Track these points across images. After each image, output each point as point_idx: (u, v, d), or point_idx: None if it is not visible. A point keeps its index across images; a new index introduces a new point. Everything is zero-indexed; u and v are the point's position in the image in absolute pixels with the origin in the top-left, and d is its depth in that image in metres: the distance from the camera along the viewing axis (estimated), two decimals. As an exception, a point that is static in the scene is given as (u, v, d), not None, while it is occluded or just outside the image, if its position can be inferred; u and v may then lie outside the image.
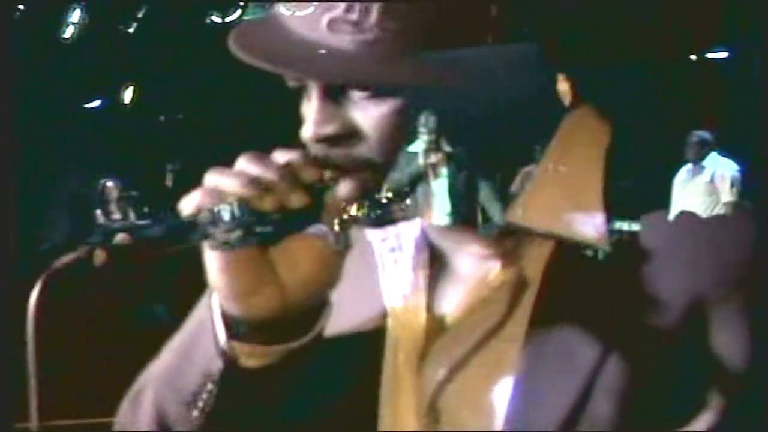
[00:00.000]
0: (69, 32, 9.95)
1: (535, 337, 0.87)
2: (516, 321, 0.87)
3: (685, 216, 0.91)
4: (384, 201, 0.85)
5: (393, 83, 0.86)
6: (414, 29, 0.84)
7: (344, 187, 0.83)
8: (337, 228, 0.83)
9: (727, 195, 8.04)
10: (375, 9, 0.84)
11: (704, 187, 8.13)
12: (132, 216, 10.00)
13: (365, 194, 0.84)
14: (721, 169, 8.13)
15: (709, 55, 9.54)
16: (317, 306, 0.86)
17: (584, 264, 0.87)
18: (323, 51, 0.85)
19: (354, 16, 0.85)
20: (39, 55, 9.22)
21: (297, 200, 0.81)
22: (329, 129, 0.87)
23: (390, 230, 0.93)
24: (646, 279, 0.87)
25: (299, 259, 0.83)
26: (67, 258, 0.76)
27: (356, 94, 0.87)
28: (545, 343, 0.87)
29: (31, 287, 0.77)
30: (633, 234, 0.88)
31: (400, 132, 0.87)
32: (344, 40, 0.85)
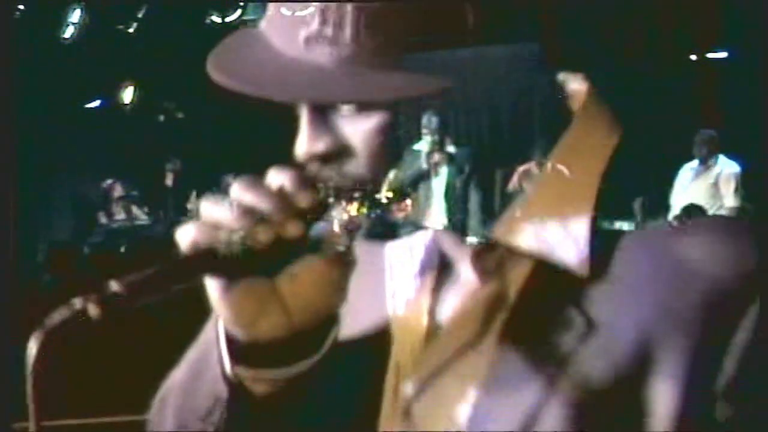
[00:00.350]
0: (69, 32, 9.96)
1: (496, 359, 0.85)
2: (491, 338, 0.86)
3: (652, 241, 0.86)
4: (384, 201, 0.85)
5: (371, 99, 0.84)
6: (392, 41, 0.83)
7: (338, 211, 0.81)
8: (337, 228, 0.83)
9: (731, 199, 7.98)
10: (349, 23, 0.83)
11: (708, 189, 8.07)
12: (135, 215, 10.01)
13: (365, 196, 0.83)
14: (726, 171, 8.07)
15: (710, 56, 9.53)
16: (325, 325, 0.84)
17: (556, 290, 0.85)
18: (300, 70, 0.84)
19: (329, 31, 0.83)
20: (39, 55, 9.23)
21: (292, 229, 0.79)
22: (320, 146, 0.86)
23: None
24: (605, 314, 0.83)
25: (303, 283, 0.82)
26: (60, 316, 0.75)
27: (344, 109, 0.85)
28: (500, 368, 0.85)
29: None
30: (607, 257, 0.85)
31: (390, 146, 0.86)
32: (322, 57, 0.83)
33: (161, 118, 11.15)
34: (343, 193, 0.83)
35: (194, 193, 9.81)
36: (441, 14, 0.84)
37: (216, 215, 0.79)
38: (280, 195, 0.79)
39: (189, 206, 9.49)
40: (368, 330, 0.93)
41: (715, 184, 8.07)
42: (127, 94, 10.80)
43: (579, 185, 0.86)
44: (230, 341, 0.84)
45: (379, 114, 0.85)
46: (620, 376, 0.81)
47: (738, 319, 0.81)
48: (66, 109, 10.35)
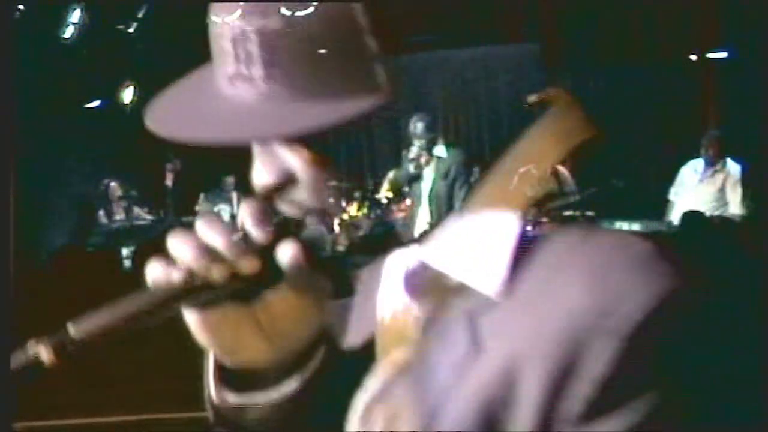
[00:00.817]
0: (69, 32, 9.95)
1: (402, 380, 0.86)
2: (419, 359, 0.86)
3: (557, 261, 0.82)
4: (384, 201, 0.85)
5: (289, 133, 0.84)
6: (302, 74, 0.82)
7: (288, 250, 0.81)
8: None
9: (736, 206, 7.91)
10: (258, 61, 0.83)
11: (715, 194, 7.99)
12: (135, 215, 10.02)
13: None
14: (734, 177, 7.98)
15: (710, 56, 9.53)
16: (311, 346, 0.86)
17: (465, 310, 0.84)
18: (228, 109, 0.85)
19: (245, 70, 0.84)
20: (39, 55, 9.22)
21: (247, 267, 0.80)
22: (269, 178, 0.87)
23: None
24: (490, 336, 0.82)
25: (277, 310, 0.84)
26: (17, 362, 0.75)
27: (284, 140, 0.86)
28: (401, 387, 0.85)
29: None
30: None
31: (330, 173, 0.86)
32: (246, 95, 0.84)
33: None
34: (298, 222, 0.84)
35: (202, 196, 9.84)
36: (339, 27, 0.82)
37: (176, 251, 0.80)
38: (231, 237, 0.80)
39: (197, 208, 9.56)
40: (365, 341, 0.93)
41: (722, 190, 7.98)
42: (127, 94, 10.79)
43: (511, 199, 0.85)
44: (220, 367, 0.87)
45: (314, 143, 0.85)
46: (488, 399, 0.80)
47: (600, 354, 0.78)
48: (66, 109, 10.35)
